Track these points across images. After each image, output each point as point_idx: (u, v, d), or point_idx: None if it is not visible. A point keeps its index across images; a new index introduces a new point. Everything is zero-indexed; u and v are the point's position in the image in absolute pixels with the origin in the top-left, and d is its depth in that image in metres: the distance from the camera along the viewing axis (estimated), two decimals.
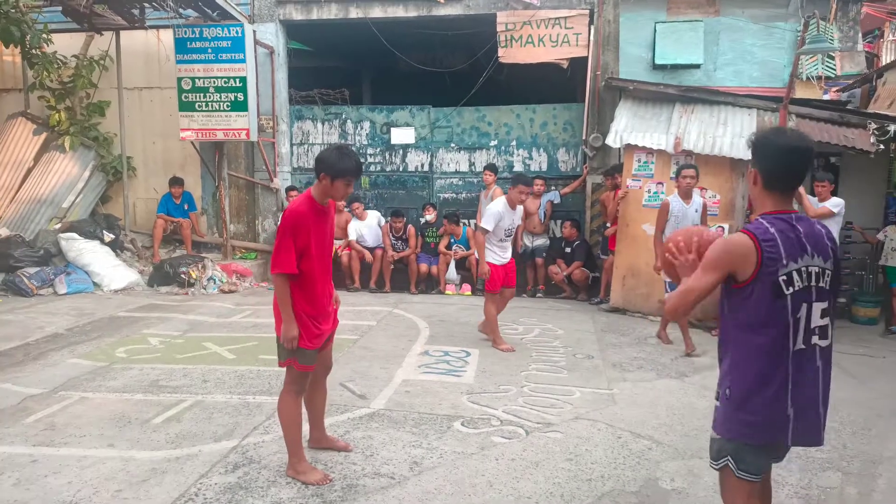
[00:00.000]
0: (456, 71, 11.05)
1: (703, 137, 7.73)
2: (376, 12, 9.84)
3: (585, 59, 9.41)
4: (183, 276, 9.00)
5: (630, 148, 7.97)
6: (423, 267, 9.32)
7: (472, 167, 10.10)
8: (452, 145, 10.16)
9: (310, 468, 3.54)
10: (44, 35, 9.20)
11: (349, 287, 9.30)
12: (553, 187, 9.59)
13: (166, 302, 8.30)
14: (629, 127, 8.09)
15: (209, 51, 9.21)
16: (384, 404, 4.70)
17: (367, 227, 9.47)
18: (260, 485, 3.45)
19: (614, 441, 4.14)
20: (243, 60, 9.15)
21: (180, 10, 9.22)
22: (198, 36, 9.18)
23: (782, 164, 2.29)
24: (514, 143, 9.98)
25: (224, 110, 9.32)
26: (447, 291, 9.17)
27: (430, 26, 10.11)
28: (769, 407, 2.27)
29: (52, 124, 10.14)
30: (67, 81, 10.20)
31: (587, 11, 9.35)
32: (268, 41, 9.98)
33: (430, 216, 9.43)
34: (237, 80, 9.22)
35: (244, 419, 4.35)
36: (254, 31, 9.43)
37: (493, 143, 10.03)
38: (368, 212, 9.63)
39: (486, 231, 6.14)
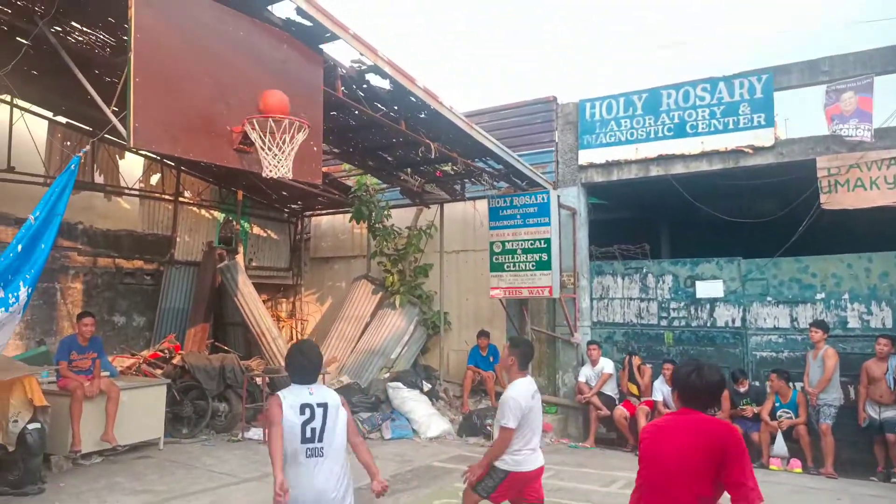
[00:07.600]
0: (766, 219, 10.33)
1: None
2: (677, 168, 9.84)
3: None
4: (488, 427, 9.34)
5: None
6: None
7: (795, 323, 9.04)
8: (769, 299, 9.28)
9: None
10: (385, 212, 11.02)
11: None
12: None
13: (474, 454, 8.60)
14: None
15: (518, 216, 10.04)
16: None
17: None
18: None
19: None
20: (548, 224, 9.76)
21: (494, 183, 10.35)
22: (509, 204, 10.12)
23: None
24: (846, 296, 8.75)
25: (529, 269, 9.91)
26: (772, 466, 8.01)
27: (736, 177, 9.75)
28: None
29: (386, 285, 11.82)
30: (401, 249, 11.92)
31: None
32: (570, 203, 10.56)
33: (742, 388, 8.63)
34: (542, 242, 9.81)
35: None
36: (558, 196, 10.08)
37: (819, 296, 8.93)
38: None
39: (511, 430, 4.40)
